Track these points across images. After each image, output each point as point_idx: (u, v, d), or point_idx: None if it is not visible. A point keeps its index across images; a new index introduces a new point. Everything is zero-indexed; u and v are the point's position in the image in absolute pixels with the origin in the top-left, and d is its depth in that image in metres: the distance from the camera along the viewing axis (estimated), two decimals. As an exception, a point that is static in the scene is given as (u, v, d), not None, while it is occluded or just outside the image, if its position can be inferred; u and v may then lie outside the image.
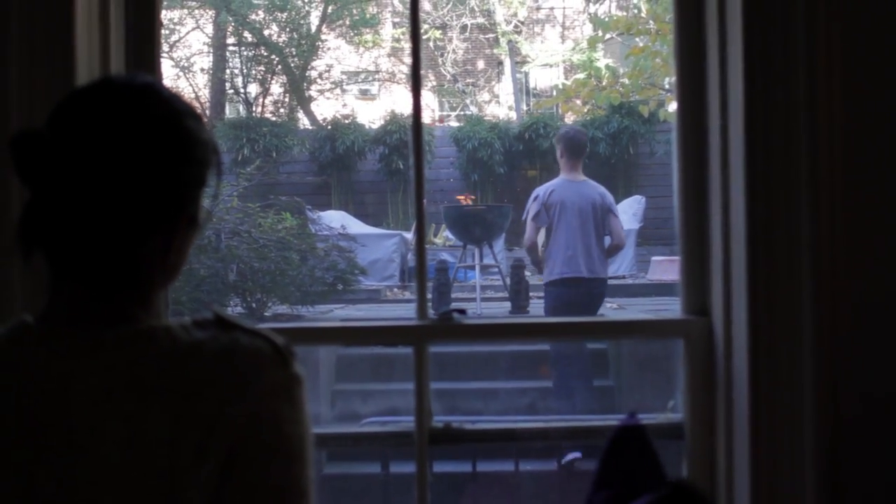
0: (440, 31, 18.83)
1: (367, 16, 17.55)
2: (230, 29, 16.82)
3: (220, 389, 1.03)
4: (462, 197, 11.53)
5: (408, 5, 1.84)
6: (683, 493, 1.22)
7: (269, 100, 16.90)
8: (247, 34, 16.54)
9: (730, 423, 1.72)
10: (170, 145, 1.09)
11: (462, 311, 1.83)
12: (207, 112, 16.20)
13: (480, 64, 20.06)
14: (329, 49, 17.73)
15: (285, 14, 16.34)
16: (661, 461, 1.50)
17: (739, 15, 1.66)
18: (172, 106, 1.12)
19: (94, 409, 1.02)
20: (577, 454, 5.42)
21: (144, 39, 1.74)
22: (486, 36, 19.50)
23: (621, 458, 1.50)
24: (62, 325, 1.07)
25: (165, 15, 16.35)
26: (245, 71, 16.96)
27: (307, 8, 16.98)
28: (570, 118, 13.64)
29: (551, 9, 20.12)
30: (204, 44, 17.41)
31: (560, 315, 6.10)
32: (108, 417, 1.01)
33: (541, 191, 6.30)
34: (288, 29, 16.56)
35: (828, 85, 1.63)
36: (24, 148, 1.05)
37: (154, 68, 1.75)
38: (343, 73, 18.58)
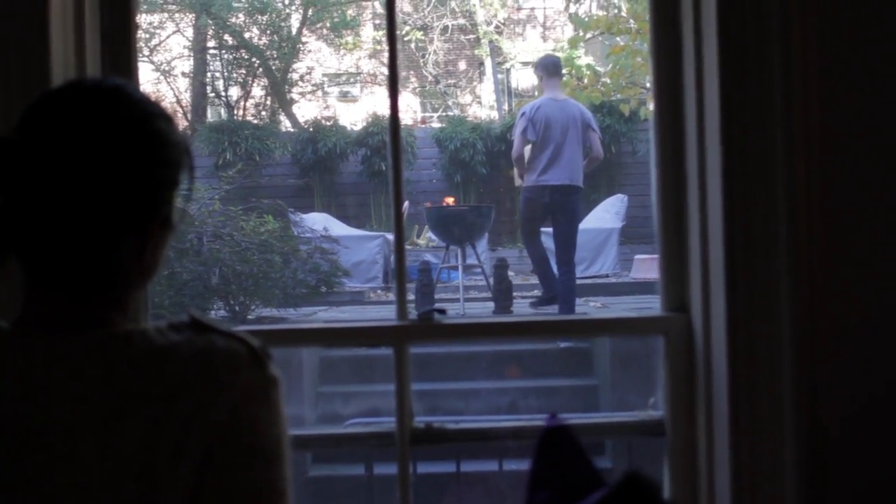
0: (421, 33, 18.81)
1: (348, 18, 17.50)
2: (210, 32, 16.73)
3: (197, 391, 1.03)
4: (449, 199, 11.48)
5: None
6: (636, 484, 1.23)
7: (250, 103, 16.82)
8: (227, 37, 16.47)
9: (710, 418, 1.73)
10: (141, 147, 1.09)
11: (442, 311, 1.83)
12: (189, 116, 16.12)
13: (462, 65, 20.06)
14: (310, 51, 17.67)
15: (265, 17, 16.27)
16: (590, 458, 1.52)
17: (714, 13, 1.67)
18: (143, 107, 1.11)
19: (71, 413, 1.01)
20: None
21: (120, 42, 1.74)
22: (468, 37, 19.50)
23: (553, 458, 1.51)
24: (38, 331, 1.07)
25: (145, 19, 16.27)
26: (226, 74, 16.87)
27: (287, 11, 16.93)
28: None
29: (532, 9, 20.14)
30: (184, 47, 17.32)
31: (535, 221, 7.20)
32: (86, 421, 1.01)
33: (528, 108, 7.20)
34: (268, 32, 16.49)
35: (803, 82, 1.64)
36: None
37: (130, 71, 1.74)
38: (324, 75, 18.53)
